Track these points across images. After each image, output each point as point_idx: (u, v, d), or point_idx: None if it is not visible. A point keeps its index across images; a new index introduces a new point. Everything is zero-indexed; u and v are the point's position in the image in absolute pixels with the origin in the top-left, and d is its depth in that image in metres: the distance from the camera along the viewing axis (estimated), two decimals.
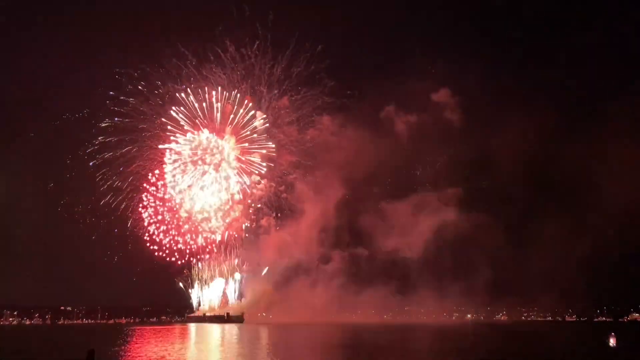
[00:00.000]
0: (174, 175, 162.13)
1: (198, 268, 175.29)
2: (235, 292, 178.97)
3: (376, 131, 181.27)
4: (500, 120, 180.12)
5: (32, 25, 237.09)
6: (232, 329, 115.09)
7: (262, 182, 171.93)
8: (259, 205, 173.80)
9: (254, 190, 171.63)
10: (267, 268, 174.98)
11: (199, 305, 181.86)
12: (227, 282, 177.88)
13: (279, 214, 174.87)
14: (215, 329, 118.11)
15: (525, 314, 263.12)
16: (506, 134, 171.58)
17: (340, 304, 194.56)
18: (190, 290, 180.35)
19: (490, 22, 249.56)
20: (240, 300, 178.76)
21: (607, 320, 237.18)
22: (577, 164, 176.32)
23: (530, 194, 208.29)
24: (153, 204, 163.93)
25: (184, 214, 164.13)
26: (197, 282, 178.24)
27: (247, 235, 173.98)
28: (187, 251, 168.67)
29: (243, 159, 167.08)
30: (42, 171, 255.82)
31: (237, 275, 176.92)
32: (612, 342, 29.26)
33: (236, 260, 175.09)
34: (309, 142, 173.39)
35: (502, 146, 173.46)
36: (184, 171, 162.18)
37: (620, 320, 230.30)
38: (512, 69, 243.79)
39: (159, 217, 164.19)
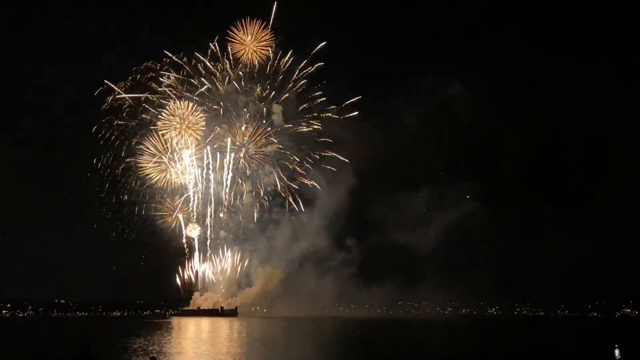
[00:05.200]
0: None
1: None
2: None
3: (385, 124, 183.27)
4: (509, 114, 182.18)
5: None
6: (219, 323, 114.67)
7: (272, 171, 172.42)
8: (269, 190, 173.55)
9: (265, 180, 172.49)
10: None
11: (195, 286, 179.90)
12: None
13: (290, 205, 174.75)
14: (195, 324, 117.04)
15: (517, 309, 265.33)
16: (515, 128, 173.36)
17: (343, 298, 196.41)
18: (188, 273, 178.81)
19: (499, 17, 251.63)
20: (250, 288, 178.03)
21: (599, 315, 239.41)
22: (583, 161, 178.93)
23: (538, 190, 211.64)
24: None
25: None
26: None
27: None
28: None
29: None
30: (39, 165, 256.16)
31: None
32: (617, 353, 29.16)
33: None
34: (319, 134, 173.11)
35: (511, 140, 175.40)
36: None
37: (611, 315, 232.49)
38: (519, 62, 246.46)
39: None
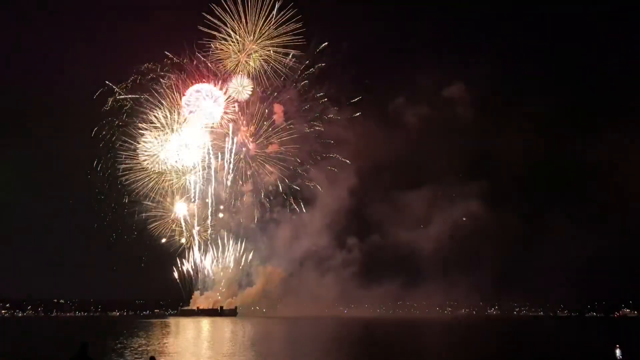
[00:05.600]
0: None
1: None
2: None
3: (387, 124, 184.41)
4: (510, 114, 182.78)
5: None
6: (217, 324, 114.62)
7: (273, 171, 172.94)
8: (270, 189, 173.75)
9: (266, 179, 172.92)
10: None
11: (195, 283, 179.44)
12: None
13: (291, 205, 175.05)
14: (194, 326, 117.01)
15: (517, 309, 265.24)
16: (516, 128, 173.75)
17: (343, 298, 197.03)
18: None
19: (500, 17, 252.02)
20: (251, 287, 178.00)
21: (598, 315, 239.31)
22: (583, 161, 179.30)
23: (538, 190, 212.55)
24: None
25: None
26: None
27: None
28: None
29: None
30: (38, 164, 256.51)
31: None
32: (618, 353, 29.18)
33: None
34: (320, 134, 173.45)
35: (512, 140, 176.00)
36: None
37: (610, 315, 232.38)
38: (522, 63, 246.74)
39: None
